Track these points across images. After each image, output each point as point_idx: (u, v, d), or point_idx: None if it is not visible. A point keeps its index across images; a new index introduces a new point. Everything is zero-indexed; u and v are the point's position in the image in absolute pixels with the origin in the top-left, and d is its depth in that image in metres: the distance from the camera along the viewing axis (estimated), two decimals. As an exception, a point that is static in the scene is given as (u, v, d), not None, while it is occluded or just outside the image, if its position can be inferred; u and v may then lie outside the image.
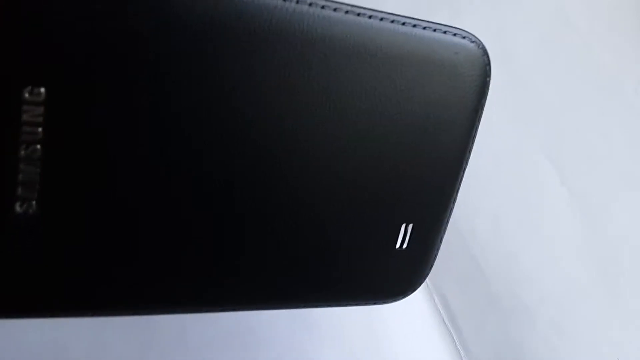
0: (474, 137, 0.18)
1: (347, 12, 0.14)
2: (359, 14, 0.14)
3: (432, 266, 0.18)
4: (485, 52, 0.18)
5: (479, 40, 0.17)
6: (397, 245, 0.17)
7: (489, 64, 0.18)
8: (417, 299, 0.27)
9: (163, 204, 0.12)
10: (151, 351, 0.25)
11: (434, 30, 0.17)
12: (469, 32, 0.17)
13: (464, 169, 0.18)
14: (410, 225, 0.17)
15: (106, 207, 0.11)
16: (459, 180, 0.18)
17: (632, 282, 0.27)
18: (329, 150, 0.14)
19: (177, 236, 0.13)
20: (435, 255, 0.18)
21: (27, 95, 0.10)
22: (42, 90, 0.10)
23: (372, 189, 0.16)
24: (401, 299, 0.18)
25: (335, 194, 0.15)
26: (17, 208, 0.10)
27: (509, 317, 0.26)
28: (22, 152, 0.10)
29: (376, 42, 0.14)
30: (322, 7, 0.13)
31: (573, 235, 0.28)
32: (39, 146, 0.10)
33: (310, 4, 0.13)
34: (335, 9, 0.14)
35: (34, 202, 0.10)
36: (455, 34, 0.17)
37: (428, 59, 0.16)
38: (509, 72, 0.32)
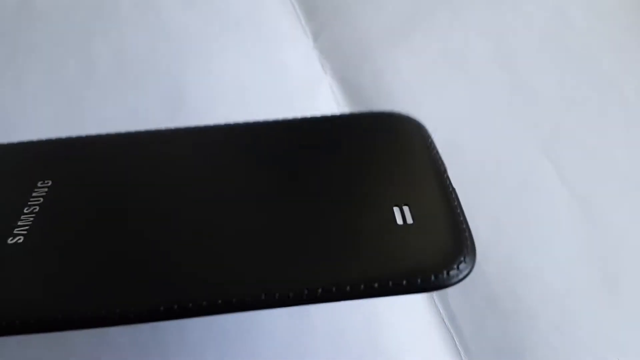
0: None
1: None
2: None
3: (469, 234, 0.17)
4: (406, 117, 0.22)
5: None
6: (400, 222, 0.17)
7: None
8: (417, 299, 0.27)
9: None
10: (151, 351, 0.25)
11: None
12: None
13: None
14: (406, 208, 0.17)
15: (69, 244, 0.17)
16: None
17: (632, 282, 0.27)
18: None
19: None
20: (466, 224, 0.17)
21: (40, 184, 0.19)
22: (50, 182, 0.19)
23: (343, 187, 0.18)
24: (457, 267, 0.16)
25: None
26: (9, 241, 0.17)
27: (509, 317, 0.26)
28: (26, 210, 0.18)
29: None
30: None
31: (573, 235, 0.28)
32: (37, 207, 0.18)
33: None
34: None
35: (22, 237, 0.17)
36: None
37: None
38: (509, 72, 0.32)
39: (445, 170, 0.20)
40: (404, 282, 0.15)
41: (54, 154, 0.21)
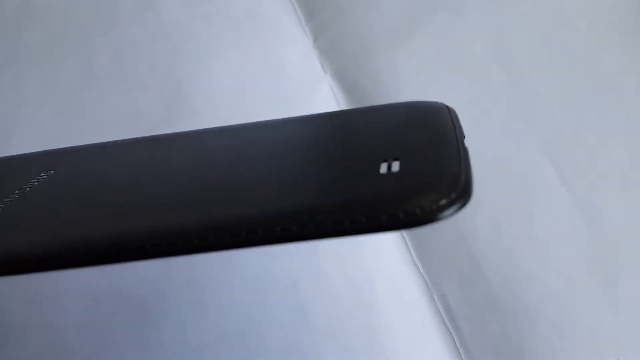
0: None
1: None
2: None
3: (465, 177, 0.16)
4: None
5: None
6: (383, 171, 0.17)
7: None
8: (417, 299, 0.27)
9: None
10: (151, 351, 0.25)
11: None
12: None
13: None
14: (397, 163, 0.17)
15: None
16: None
17: (631, 282, 0.27)
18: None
19: None
20: (466, 170, 0.17)
21: (42, 174, 0.21)
22: (52, 171, 0.21)
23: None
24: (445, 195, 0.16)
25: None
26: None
27: (509, 317, 0.26)
28: (17, 191, 0.20)
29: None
30: None
31: (573, 235, 0.28)
32: (29, 187, 0.21)
33: None
34: None
35: (4, 205, 0.20)
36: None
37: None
38: (509, 72, 0.32)
39: (461, 135, 0.20)
40: (384, 216, 0.15)
41: (62, 153, 0.23)
